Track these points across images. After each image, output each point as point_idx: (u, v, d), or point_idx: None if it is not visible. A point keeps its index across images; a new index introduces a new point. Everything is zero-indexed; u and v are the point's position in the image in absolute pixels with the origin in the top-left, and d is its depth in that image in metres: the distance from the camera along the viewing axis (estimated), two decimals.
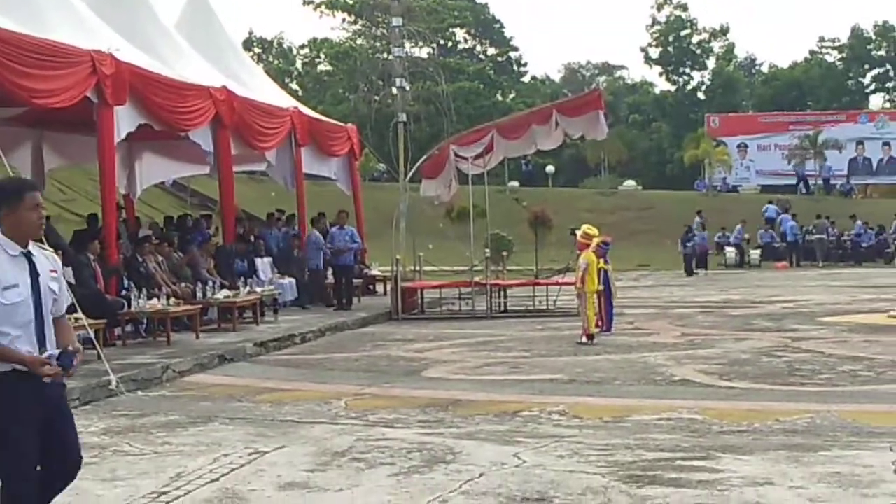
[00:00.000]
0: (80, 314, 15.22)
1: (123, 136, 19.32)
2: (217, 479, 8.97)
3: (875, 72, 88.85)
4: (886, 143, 70.48)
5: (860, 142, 70.82)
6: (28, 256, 6.13)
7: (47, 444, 6.13)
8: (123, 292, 18.79)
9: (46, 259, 6.28)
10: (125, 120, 19.04)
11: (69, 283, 15.57)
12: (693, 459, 9.40)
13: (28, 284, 6.07)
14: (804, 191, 65.60)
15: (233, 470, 9.32)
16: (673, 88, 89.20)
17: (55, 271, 6.29)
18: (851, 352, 17.16)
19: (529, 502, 8.02)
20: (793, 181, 67.89)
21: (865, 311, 24.29)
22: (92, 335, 15.35)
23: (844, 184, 68.26)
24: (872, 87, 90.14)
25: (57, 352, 6.08)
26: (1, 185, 6.60)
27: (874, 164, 70.86)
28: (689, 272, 42.31)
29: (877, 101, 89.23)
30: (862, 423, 11.02)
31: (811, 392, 13.31)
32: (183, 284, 20.96)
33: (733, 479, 8.58)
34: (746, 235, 50.73)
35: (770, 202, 55.56)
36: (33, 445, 6.04)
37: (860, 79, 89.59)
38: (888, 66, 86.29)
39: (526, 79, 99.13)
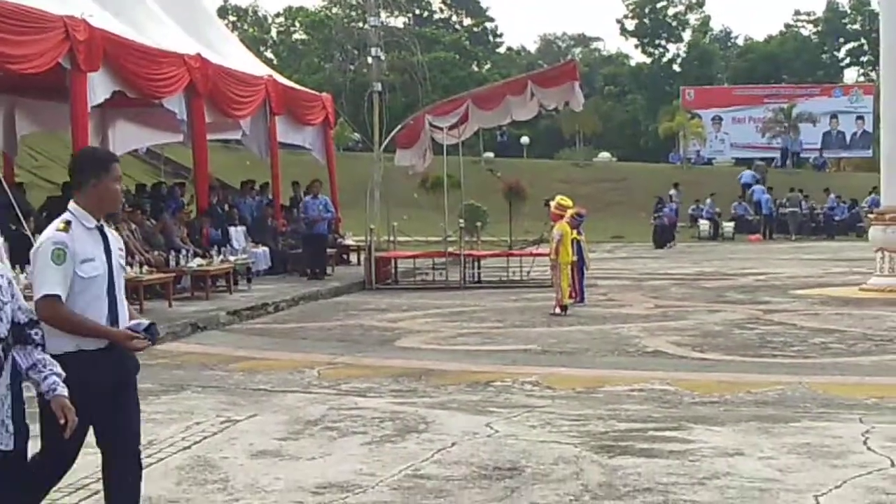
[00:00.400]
0: None
1: (98, 102, 19.21)
2: (189, 447, 8.96)
3: (849, 45, 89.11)
4: (860, 117, 70.66)
5: (834, 115, 71.00)
6: (101, 230, 6.01)
7: (112, 417, 6.00)
8: None
9: (115, 235, 6.16)
10: (99, 86, 18.94)
11: None
12: (665, 430, 9.43)
13: (103, 259, 5.92)
14: (779, 164, 65.75)
15: (205, 438, 9.31)
16: (648, 60, 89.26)
17: (122, 249, 6.17)
18: (823, 324, 17.26)
19: (501, 472, 8.03)
20: (767, 154, 67.97)
21: (837, 283, 24.40)
22: None
23: (818, 157, 68.44)
24: (847, 60, 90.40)
25: (146, 322, 5.99)
26: (91, 153, 6.50)
27: (847, 138, 71.05)
28: (659, 244, 42.42)
29: (851, 74, 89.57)
30: (832, 395, 11.09)
31: (782, 364, 13.37)
32: (156, 253, 20.88)
33: (704, 450, 8.61)
34: (718, 209, 50.87)
35: (749, 167, 55.71)
36: (85, 427, 5.91)
37: (835, 52, 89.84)
38: (863, 40, 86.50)
39: (501, 49, 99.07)
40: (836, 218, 51.26)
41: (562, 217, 19.83)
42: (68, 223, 5.85)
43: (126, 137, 26.92)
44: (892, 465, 8.09)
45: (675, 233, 45.02)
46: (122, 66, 19.62)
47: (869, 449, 8.64)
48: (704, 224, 50.01)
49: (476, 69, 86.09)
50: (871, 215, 27.24)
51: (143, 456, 8.55)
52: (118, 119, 25.78)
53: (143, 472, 8.05)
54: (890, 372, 12.71)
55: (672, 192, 48.08)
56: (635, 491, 7.47)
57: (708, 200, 51.25)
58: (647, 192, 47.52)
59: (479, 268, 26.17)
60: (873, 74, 79.20)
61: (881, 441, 8.87)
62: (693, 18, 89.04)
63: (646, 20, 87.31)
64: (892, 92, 23.50)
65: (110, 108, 23.69)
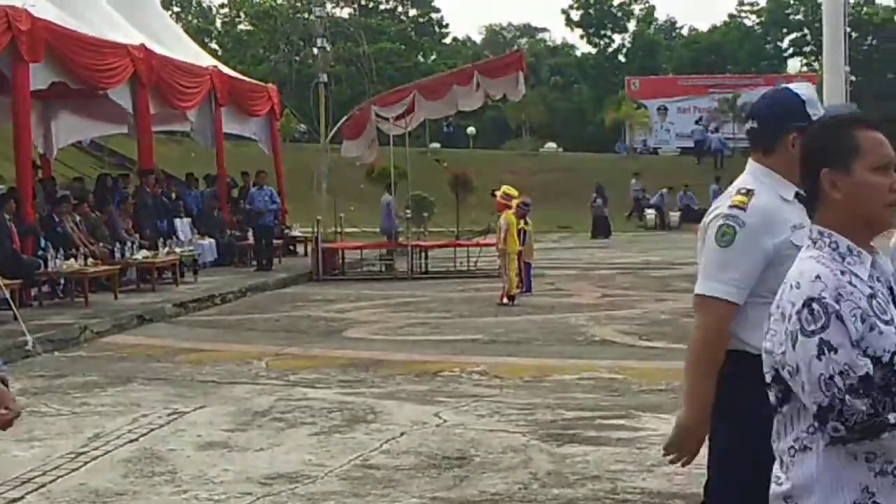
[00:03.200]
0: None
1: (34, 88, 18.96)
2: (136, 440, 8.92)
3: (793, 35, 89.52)
4: None
5: None
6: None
7: None
8: (40, 252, 18.55)
9: None
10: (37, 76, 18.74)
11: None
12: (613, 418, 9.47)
13: None
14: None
15: (152, 430, 9.26)
16: (594, 51, 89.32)
17: None
18: None
19: (450, 461, 8.04)
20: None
21: None
22: (7, 295, 15.14)
23: None
24: (790, 50, 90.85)
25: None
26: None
27: None
28: (595, 235, 42.64)
29: (794, 64, 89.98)
30: None
31: None
32: (101, 244, 20.72)
33: (652, 437, 8.64)
34: (668, 199, 51.13)
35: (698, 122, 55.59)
36: None
37: (778, 42, 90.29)
38: (806, 31, 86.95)
39: (447, 40, 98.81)
40: None
41: (508, 207, 19.87)
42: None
43: (69, 129, 26.66)
44: None
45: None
46: (66, 57, 19.45)
47: None
48: (650, 213, 50.27)
49: (422, 60, 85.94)
50: None
51: (87, 448, 8.55)
52: (61, 110, 25.52)
53: (91, 464, 8.03)
54: None
55: (633, 181, 48.39)
56: (584, 479, 7.50)
57: (661, 191, 51.43)
58: (593, 182, 47.59)
59: (426, 258, 26.15)
60: (816, 64, 79.76)
61: None
62: (638, 9, 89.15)
63: (591, 11, 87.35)
64: (834, 82, 23.72)
65: (53, 100, 23.46)
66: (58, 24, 19.28)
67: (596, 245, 38.68)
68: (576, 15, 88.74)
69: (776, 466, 3.06)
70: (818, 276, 2.95)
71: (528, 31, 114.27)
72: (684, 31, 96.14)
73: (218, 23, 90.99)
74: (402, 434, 8.94)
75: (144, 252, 21.12)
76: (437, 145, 61.49)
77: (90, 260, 19.06)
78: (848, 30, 24.73)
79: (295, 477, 7.66)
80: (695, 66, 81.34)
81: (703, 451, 8.07)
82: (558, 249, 34.70)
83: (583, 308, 18.39)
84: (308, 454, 8.34)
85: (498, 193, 20.55)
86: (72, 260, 18.57)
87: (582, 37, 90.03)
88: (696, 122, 55.05)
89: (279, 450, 8.52)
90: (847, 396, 2.82)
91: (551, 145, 72.01)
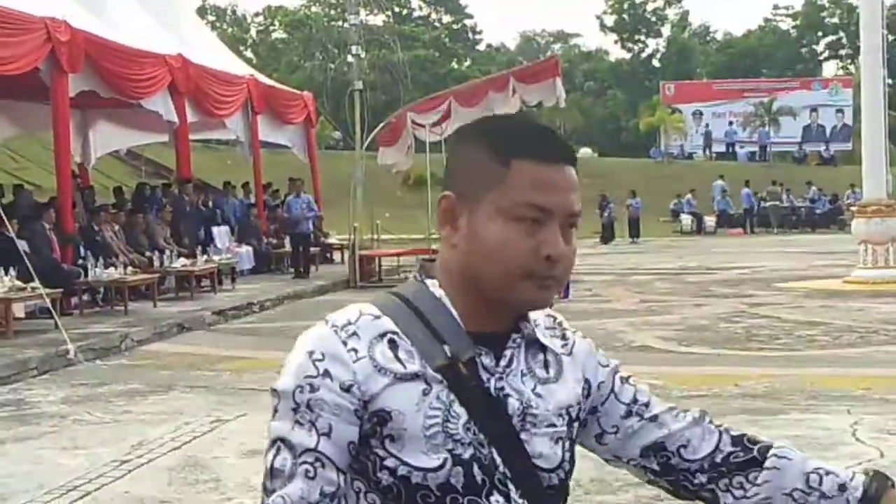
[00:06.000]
0: (36, 283, 15.16)
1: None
2: (179, 447, 8.95)
3: (828, 39, 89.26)
4: (840, 111, 70.77)
5: (814, 109, 71.10)
6: None
7: None
8: (80, 261, 18.66)
9: None
10: (73, 84, 18.84)
11: (25, 253, 15.53)
12: None
13: None
14: (759, 158, 65.90)
15: (195, 438, 9.30)
16: (628, 56, 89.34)
17: None
18: (808, 317, 17.30)
19: None
20: (748, 148, 68.17)
21: (821, 276, 24.45)
22: (49, 304, 15.25)
23: (799, 150, 68.59)
24: (826, 54, 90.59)
25: None
26: None
27: (828, 131, 71.20)
28: (606, 240, 42.57)
29: (830, 68, 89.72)
30: (820, 387, 11.11)
31: (769, 357, 13.41)
32: (147, 253, 20.84)
33: None
34: (694, 202, 51.01)
35: (721, 176, 55.73)
36: None
37: (814, 46, 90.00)
38: (841, 34, 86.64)
39: (481, 47, 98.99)
40: (818, 211, 51.42)
41: None
42: None
43: (107, 138, 26.85)
44: (882, 455, 8.12)
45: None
46: (103, 67, 19.55)
47: (858, 440, 8.67)
48: (686, 219, 50.16)
49: (456, 66, 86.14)
50: (853, 208, 27.35)
51: (131, 456, 8.59)
52: (99, 119, 25.70)
53: (135, 472, 8.08)
54: (876, 363, 12.76)
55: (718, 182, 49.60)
56: (627, 485, 7.47)
57: (689, 195, 51.38)
58: (628, 187, 47.53)
59: None
60: (852, 68, 79.41)
61: (869, 432, 8.90)
62: (672, 13, 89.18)
63: (625, 16, 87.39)
64: (871, 85, 23.59)
65: (91, 109, 23.63)
66: (96, 34, 19.39)
67: (632, 250, 38.63)
68: (609, 20, 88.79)
69: None
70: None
71: (562, 36, 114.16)
72: (718, 36, 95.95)
73: (253, 31, 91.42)
74: None
75: (183, 260, 21.21)
76: None
77: (129, 269, 19.15)
78: (885, 32, 24.55)
79: None
80: (730, 70, 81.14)
81: None
82: (595, 255, 34.65)
83: (621, 314, 18.35)
84: None
85: None
86: (111, 269, 18.66)
87: (616, 42, 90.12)
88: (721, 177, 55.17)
89: None
90: None
91: (586, 150, 71.94)
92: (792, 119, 69.10)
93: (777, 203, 50.77)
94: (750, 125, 69.30)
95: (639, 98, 78.67)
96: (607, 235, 43.01)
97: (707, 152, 69.52)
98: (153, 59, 21.44)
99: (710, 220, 50.27)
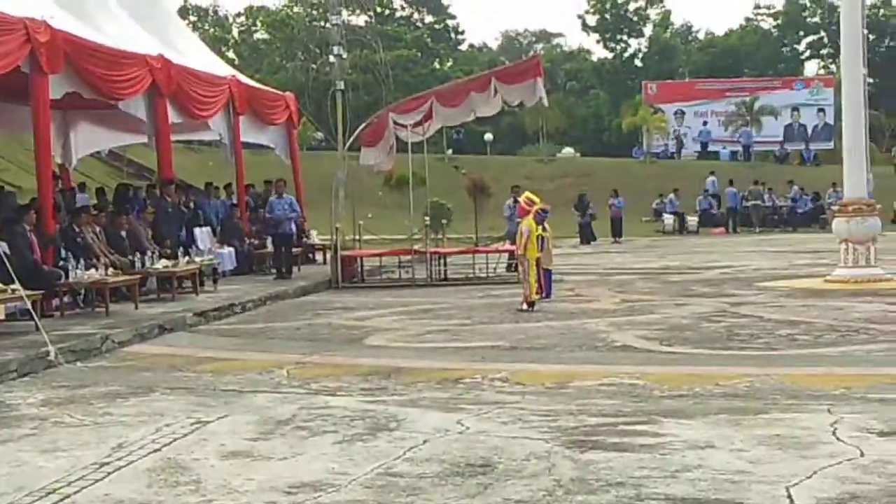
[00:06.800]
0: (16, 285, 15.12)
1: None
2: (159, 449, 8.92)
3: (810, 38, 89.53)
4: (821, 110, 70.98)
5: (796, 108, 71.29)
6: None
7: None
8: (61, 263, 18.61)
9: None
10: (52, 87, 18.76)
11: (5, 254, 15.48)
12: (635, 424, 9.45)
13: None
14: (742, 157, 65.97)
15: (175, 440, 9.27)
16: (610, 56, 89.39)
17: None
18: (789, 316, 17.33)
19: (473, 468, 8.03)
20: (730, 148, 68.27)
21: (802, 275, 24.53)
22: (29, 305, 15.21)
23: (780, 150, 68.74)
24: (807, 53, 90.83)
25: None
26: None
27: (809, 131, 71.37)
28: (585, 240, 42.49)
29: (812, 67, 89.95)
30: (801, 386, 11.13)
31: (751, 356, 13.42)
32: (129, 254, 20.78)
33: (675, 443, 8.63)
34: (678, 204, 51.12)
35: (712, 172, 55.89)
36: None
37: (795, 45, 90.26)
38: (823, 33, 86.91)
39: (463, 47, 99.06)
40: (799, 210, 51.58)
41: (529, 213, 19.89)
42: None
43: (88, 139, 26.82)
44: (862, 454, 8.12)
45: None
46: (84, 69, 19.49)
47: (838, 439, 8.68)
48: (669, 218, 50.29)
49: (438, 66, 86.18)
50: (834, 207, 27.43)
51: (111, 458, 8.56)
52: (80, 121, 25.64)
53: (115, 474, 8.06)
54: (856, 362, 12.79)
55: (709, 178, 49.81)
56: (608, 485, 7.48)
57: (671, 195, 51.52)
58: (610, 187, 47.61)
59: (445, 265, 26.16)
60: (833, 67, 79.62)
61: (850, 431, 8.92)
62: (654, 13, 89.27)
63: (607, 15, 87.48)
64: (852, 84, 23.67)
65: (72, 110, 23.58)
66: (76, 35, 19.34)
67: (614, 250, 38.70)
68: (592, 20, 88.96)
69: None
70: None
71: (544, 36, 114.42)
72: (700, 35, 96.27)
73: (235, 32, 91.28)
74: (424, 442, 8.93)
75: (164, 262, 21.17)
76: (450, 151, 61.65)
77: (111, 270, 19.11)
78: (866, 31, 24.60)
79: (319, 486, 7.66)
80: (711, 69, 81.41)
81: (727, 455, 8.08)
82: (577, 255, 34.74)
83: (602, 313, 18.36)
84: (331, 462, 8.33)
85: (521, 198, 20.62)
86: (92, 270, 18.62)
87: (598, 42, 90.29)
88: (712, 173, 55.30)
89: (302, 458, 8.52)
90: None
91: (568, 150, 72.09)
92: (773, 118, 69.28)
93: (759, 202, 50.92)
94: (732, 124, 69.45)
95: (621, 98, 78.79)
96: (586, 235, 42.92)
97: (682, 153, 69.68)
98: (134, 60, 21.38)
99: (692, 220, 50.41)
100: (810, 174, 57.76)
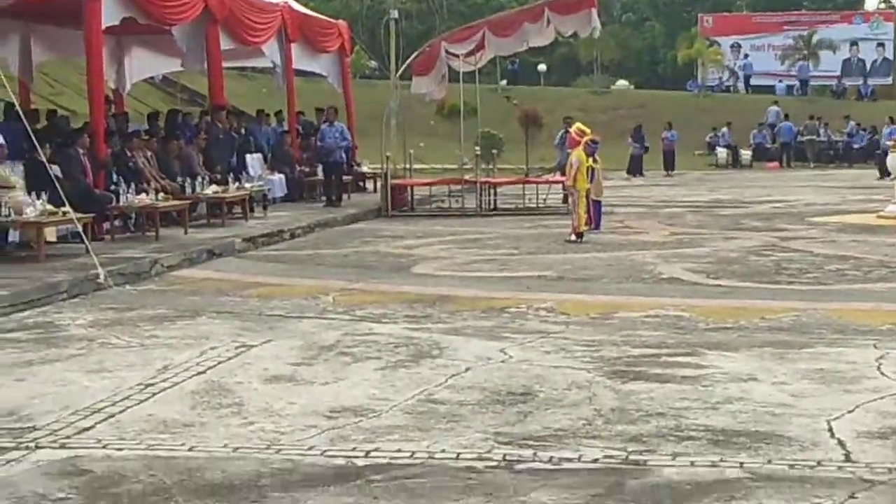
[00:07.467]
0: (68, 208, 15.25)
1: (104, 27, 19.01)
2: (204, 372, 9.00)
3: None
4: (881, 44, 69.92)
5: (854, 43, 70.24)
6: None
7: None
8: (112, 187, 18.73)
9: None
10: (109, 12, 18.79)
11: (57, 178, 15.60)
12: (678, 356, 9.44)
13: None
14: (799, 92, 65.19)
15: (219, 363, 9.35)
16: None
17: None
18: (839, 251, 17.21)
19: (514, 396, 8.05)
20: (787, 82, 67.46)
21: (855, 211, 24.33)
22: (80, 228, 15.36)
23: (838, 84, 67.89)
24: None
25: None
26: None
27: (868, 65, 70.38)
28: (630, 173, 42.10)
29: (872, 1, 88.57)
30: (847, 321, 11.07)
31: (798, 290, 13.36)
32: (179, 179, 20.88)
33: (717, 375, 8.62)
34: (730, 136, 50.70)
35: (775, 102, 55.31)
36: None
37: None
38: None
39: None
40: (855, 146, 50.97)
41: (579, 143, 19.82)
42: None
43: (142, 65, 26.84)
44: None
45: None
46: None
47: (883, 374, 8.64)
48: (722, 152, 49.89)
49: None
50: (888, 142, 27.10)
51: (156, 380, 8.66)
52: (134, 46, 25.66)
53: (159, 395, 8.16)
54: None
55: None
56: (648, 416, 7.48)
57: (724, 129, 51.08)
58: (664, 119, 47.23)
59: (495, 195, 26.10)
60: (894, 1, 78.42)
61: (895, 366, 8.87)
62: None
63: None
64: None
65: (126, 35, 23.58)
66: None
67: (665, 183, 38.51)
68: None
69: None
70: None
71: None
72: None
73: None
74: (466, 369, 8.96)
75: (214, 187, 21.26)
76: (504, 82, 61.28)
77: (161, 195, 19.21)
78: None
79: (359, 410, 7.71)
80: (769, 2, 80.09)
81: (769, 388, 8.07)
82: (628, 187, 34.57)
83: (650, 246, 18.30)
84: (373, 388, 8.38)
85: (572, 129, 20.54)
86: (143, 195, 18.73)
87: None
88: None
89: (344, 384, 8.57)
90: None
91: (623, 83, 71.45)
92: (832, 53, 68.30)
93: (814, 137, 50.37)
94: (789, 58, 68.56)
95: (677, 30, 77.91)
96: (634, 168, 42.60)
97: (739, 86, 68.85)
98: None
99: (745, 154, 49.98)
100: (867, 109, 56.96)
